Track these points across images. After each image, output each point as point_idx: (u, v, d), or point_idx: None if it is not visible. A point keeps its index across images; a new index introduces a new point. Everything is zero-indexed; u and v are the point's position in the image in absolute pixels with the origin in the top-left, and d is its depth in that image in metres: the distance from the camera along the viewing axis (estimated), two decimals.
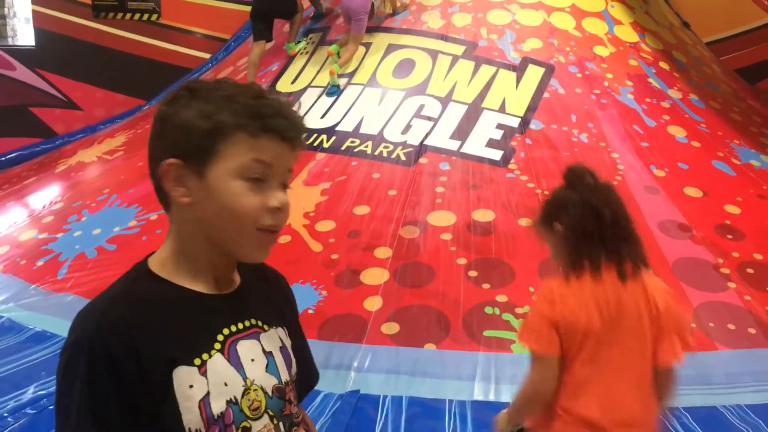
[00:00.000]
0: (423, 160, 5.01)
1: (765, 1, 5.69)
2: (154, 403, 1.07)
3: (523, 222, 4.40)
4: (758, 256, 4.23)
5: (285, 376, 1.25)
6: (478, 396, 3.34)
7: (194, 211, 1.13)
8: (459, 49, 5.84)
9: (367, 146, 5.22)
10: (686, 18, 7.31)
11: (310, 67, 6.22)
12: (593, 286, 1.88)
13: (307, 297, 4.01)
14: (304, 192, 4.89)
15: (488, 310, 3.77)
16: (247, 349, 1.18)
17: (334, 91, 5.81)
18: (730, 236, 4.39)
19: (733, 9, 7.57)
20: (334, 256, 4.29)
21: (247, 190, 1.12)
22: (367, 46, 6.13)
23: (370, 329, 3.74)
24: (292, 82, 6.20)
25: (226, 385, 1.13)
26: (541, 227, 2.04)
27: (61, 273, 4.59)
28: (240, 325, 1.20)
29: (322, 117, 5.63)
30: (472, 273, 4.03)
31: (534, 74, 5.64)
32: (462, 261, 4.12)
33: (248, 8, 6.76)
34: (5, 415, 3.22)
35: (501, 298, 3.85)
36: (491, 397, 3.33)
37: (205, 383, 1.10)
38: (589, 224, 1.90)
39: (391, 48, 6.03)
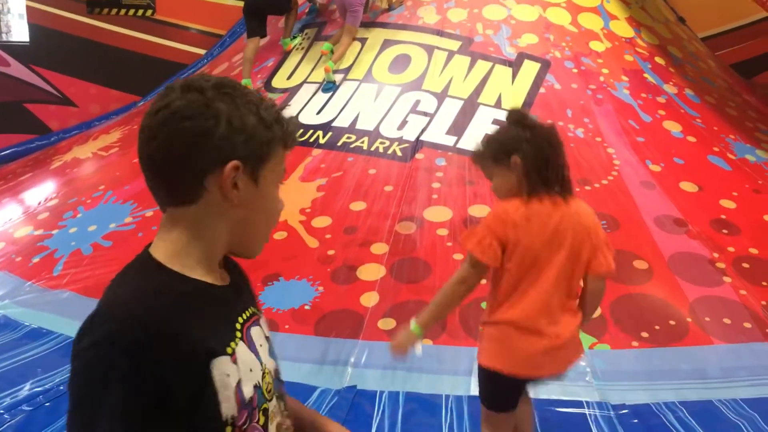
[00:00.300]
0: (419, 156, 5.01)
1: None
2: (191, 397, 1.05)
3: None
4: (753, 251, 4.24)
5: (277, 358, 1.33)
6: (474, 391, 3.32)
7: (235, 211, 1.16)
8: (455, 45, 5.83)
9: (363, 142, 5.21)
10: (681, 13, 7.31)
11: (306, 63, 6.21)
12: (541, 209, 2.18)
13: (303, 293, 4.01)
14: (300, 188, 4.88)
15: (484, 305, 3.74)
16: (256, 335, 1.24)
17: (330, 87, 5.80)
18: (725, 231, 4.40)
19: (729, 4, 7.58)
20: (331, 252, 4.29)
21: (278, 196, 1.24)
22: (363, 41, 6.12)
23: (366, 325, 3.74)
24: (288, 78, 6.19)
25: (251, 371, 1.17)
26: (494, 163, 2.26)
27: (57, 270, 4.58)
28: (246, 313, 1.25)
29: (318, 113, 5.62)
30: None
31: (530, 69, 5.64)
32: (458, 256, 4.12)
33: (242, 3, 6.72)
34: (1, 412, 3.22)
35: None
36: None
37: (236, 370, 1.13)
38: (544, 155, 2.18)
39: (386, 43, 6.02)
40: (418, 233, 4.34)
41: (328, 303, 3.94)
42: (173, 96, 1.12)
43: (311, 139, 5.33)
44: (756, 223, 4.52)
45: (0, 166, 7.55)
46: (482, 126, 5.12)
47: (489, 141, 2.32)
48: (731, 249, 4.24)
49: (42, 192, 5.96)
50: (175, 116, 1.11)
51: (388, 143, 5.15)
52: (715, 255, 4.17)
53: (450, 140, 5.10)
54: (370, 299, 3.90)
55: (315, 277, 4.13)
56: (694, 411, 3.17)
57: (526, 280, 2.22)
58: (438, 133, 5.17)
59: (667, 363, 3.50)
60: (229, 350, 1.13)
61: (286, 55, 6.49)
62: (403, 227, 4.40)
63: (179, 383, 1.03)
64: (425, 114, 5.35)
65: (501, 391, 2.38)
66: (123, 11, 8.58)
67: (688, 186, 4.80)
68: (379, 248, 4.25)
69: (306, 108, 5.70)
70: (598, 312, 3.73)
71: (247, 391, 1.15)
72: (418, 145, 5.10)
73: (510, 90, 5.44)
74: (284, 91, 6.04)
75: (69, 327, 4.01)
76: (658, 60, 6.12)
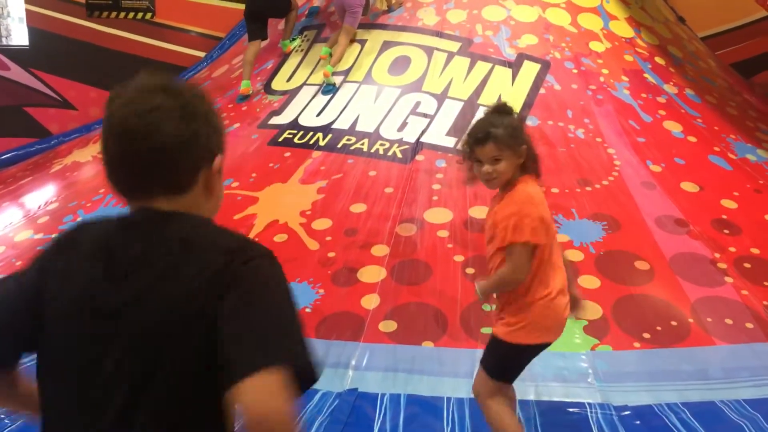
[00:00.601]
0: (419, 158, 5.01)
1: None
2: None
3: None
4: (755, 251, 4.23)
5: None
6: None
7: (209, 199, 1.31)
8: (454, 46, 5.83)
9: (363, 144, 5.21)
10: (681, 13, 7.31)
11: (305, 65, 6.20)
12: (540, 191, 2.49)
13: (304, 295, 4.00)
14: (300, 190, 4.88)
15: (486, 307, 3.75)
16: None
17: (329, 89, 5.79)
18: (726, 231, 4.39)
19: (728, 3, 7.57)
20: (331, 255, 4.28)
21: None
22: (363, 43, 6.12)
23: (367, 327, 3.73)
24: (288, 80, 6.19)
25: None
26: (508, 147, 2.42)
27: None
28: None
29: (318, 115, 5.62)
30: (470, 270, 4.02)
31: (530, 70, 5.63)
32: (459, 258, 4.12)
33: (242, 6, 6.73)
34: (1, 416, 3.20)
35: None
36: None
37: None
38: (533, 149, 2.50)
39: (386, 45, 6.02)
40: (419, 235, 4.33)
41: (329, 305, 3.93)
42: (160, 98, 1.23)
43: (311, 142, 5.32)
44: (757, 223, 4.51)
45: (0, 170, 7.55)
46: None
47: (507, 126, 2.45)
48: (732, 249, 4.23)
49: (42, 196, 5.96)
50: (170, 116, 1.22)
51: (388, 145, 5.15)
52: (717, 255, 4.16)
53: (450, 141, 5.10)
54: (370, 301, 3.89)
55: (315, 279, 4.12)
56: (697, 412, 3.16)
57: (550, 253, 2.46)
58: (438, 135, 5.17)
59: (669, 364, 3.49)
60: None
61: (285, 57, 6.48)
62: (403, 229, 4.39)
63: None
64: (425, 115, 5.35)
65: (521, 363, 2.59)
66: (122, 14, 8.58)
67: (689, 186, 4.79)
68: (380, 250, 4.24)
69: (306, 110, 5.70)
70: (599, 313, 3.73)
71: None
72: (418, 146, 5.09)
73: (510, 91, 5.43)
74: (284, 93, 6.04)
75: None
76: (658, 60, 6.11)
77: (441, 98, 5.44)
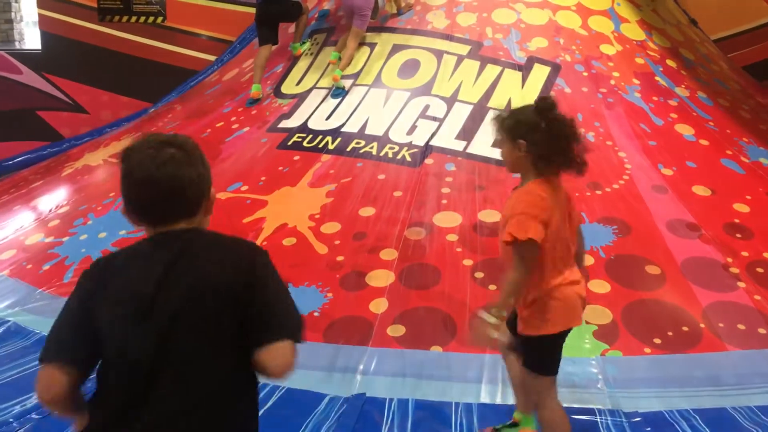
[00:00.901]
0: (428, 161, 4.99)
1: None
2: None
3: None
4: None
5: None
6: (484, 399, 3.31)
7: (206, 218, 1.78)
8: (464, 49, 5.81)
9: (372, 147, 5.20)
10: (694, 15, 7.26)
11: (315, 69, 6.21)
12: (551, 190, 2.46)
13: (312, 300, 3.99)
14: (309, 194, 4.87)
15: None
16: None
17: (339, 92, 5.79)
18: (739, 235, 4.35)
19: (741, 6, 7.52)
20: (340, 258, 4.27)
21: None
22: (372, 46, 6.11)
23: (375, 332, 3.72)
24: (297, 84, 6.19)
25: None
26: (504, 136, 2.53)
27: (67, 277, 4.58)
28: None
29: (327, 118, 5.62)
30: (479, 274, 4.00)
31: (540, 73, 5.61)
32: (468, 262, 4.10)
33: (253, 9, 6.75)
34: (10, 420, 3.21)
35: None
36: (498, 400, 3.30)
37: None
38: (547, 150, 2.43)
39: (395, 48, 6.01)
40: (428, 239, 4.31)
41: (337, 309, 3.92)
42: (171, 151, 1.67)
43: (320, 145, 5.32)
44: None
45: (12, 173, 7.60)
46: (492, 131, 5.08)
47: (510, 115, 2.57)
48: (745, 254, 4.18)
49: (53, 199, 5.98)
50: (181, 164, 1.67)
51: (397, 148, 5.13)
52: (729, 260, 4.12)
53: (460, 145, 5.08)
54: (379, 306, 3.87)
55: (324, 283, 4.11)
56: (708, 419, 3.12)
57: (557, 251, 2.49)
58: (447, 138, 5.15)
59: (681, 370, 3.45)
60: None
61: (295, 61, 6.49)
62: (412, 233, 4.38)
63: None
64: (434, 119, 5.33)
65: (556, 351, 2.66)
66: (134, 18, 8.62)
67: (700, 190, 4.74)
68: (389, 254, 4.23)
69: (315, 114, 5.70)
70: (609, 317, 3.70)
71: None
72: (427, 150, 5.08)
73: (520, 94, 5.41)
74: (293, 96, 6.04)
75: None
76: (670, 63, 6.06)
77: (450, 102, 5.42)
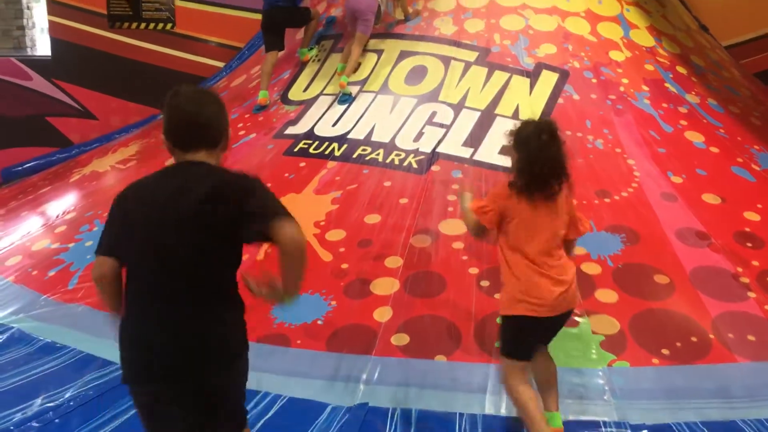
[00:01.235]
0: (435, 168, 4.95)
1: None
2: None
3: None
4: None
5: None
6: (489, 410, 3.27)
7: (222, 153, 2.32)
8: (472, 55, 5.78)
9: (378, 154, 5.16)
10: (704, 21, 7.19)
11: (322, 75, 6.19)
12: (525, 200, 2.85)
13: (316, 307, 3.97)
14: (314, 201, 4.84)
15: (500, 320, 3.68)
16: None
17: (346, 99, 5.77)
18: (749, 244, 4.28)
19: (753, 12, 7.43)
20: (344, 266, 4.24)
21: None
22: (380, 53, 6.09)
23: (379, 340, 3.68)
24: (304, 90, 6.17)
25: None
26: (509, 145, 2.92)
27: (72, 283, 4.58)
28: None
29: (334, 125, 5.59)
30: (484, 283, 3.96)
31: (548, 80, 5.56)
32: (474, 270, 4.05)
33: (261, 16, 6.73)
34: (11, 428, 3.20)
35: None
36: (503, 411, 3.25)
37: None
38: (527, 172, 2.83)
39: (403, 55, 5.98)
40: (434, 247, 4.27)
41: (341, 318, 3.89)
42: (202, 95, 2.31)
43: (326, 152, 5.29)
44: None
45: (22, 179, 7.63)
46: (499, 138, 5.04)
47: (514, 131, 2.92)
48: (755, 263, 4.11)
49: (60, 205, 5.99)
50: (209, 104, 2.25)
51: (403, 155, 5.10)
52: (739, 269, 4.05)
53: (467, 152, 5.04)
54: (383, 314, 3.84)
55: (328, 291, 4.08)
56: (718, 431, 3.06)
57: (525, 241, 2.86)
58: (454, 145, 5.11)
59: (689, 381, 3.40)
60: None
61: (302, 67, 6.48)
62: (418, 240, 4.34)
63: None
64: (441, 125, 5.29)
65: (519, 335, 2.92)
66: (143, 25, 8.65)
67: (710, 198, 4.68)
68: (394, 262, 4.19)
69: (321, 120, 5.68)
70: (617, 327, 3.64)
71: None
72: (434, 157, 5.04)
73: (528, 101, 5.37)
74: (300, 103, 6.02)
75: (82, 342, 4.01)
76: (680, 69, 6.00)
77: (458, 108, 5.39)
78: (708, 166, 5.01)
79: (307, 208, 4.79)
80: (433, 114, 5.39)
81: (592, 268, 4.00)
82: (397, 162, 5.05)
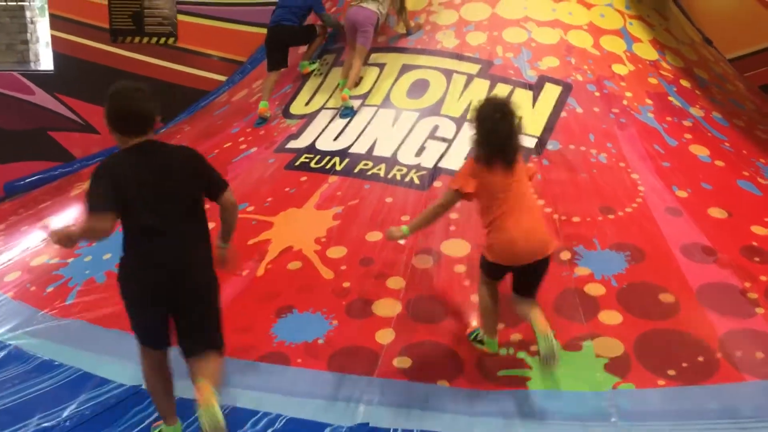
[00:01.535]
0: (437, 184, 4.90)
1: None
2: None
3: None
4: None
5: None
6: None
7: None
8: (474, 68, 5.74)
9: (380, 169, 5.12)
10: (708, 34, 7.15)
11: (324, 90, 6.16)
12: (486, 172, 3.37)
13: (317, 326, 3.92)
14: (315, 216, 4.80)
15: (503, 351, 3.64)
16: None
17: (348, 113, 5.73)
18: (757, 259, 4.21)
19: (757, 25, 7.39)
20: (346, 285, 4.19)
21: None
22: (381, 66, 6.06)
23: (381, 362, 3.63)
24: (306, 104, 6.14)
25: None
26: (472, 122, 3.43)
27: (70, 298, 4.54)
28: None
29: (336, 139, 5.55)
30: None
31: (551, 93, 5.52)
32: (476, 298, 3.99)
33: (263, 30, 6.73)
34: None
35: (515, 336, 3.72)
36: None
37: None
38: (485, 145, 3.37)
39: (405, 68, 5.95)
40: (435, 268, 4.22)
41: (343, 338, 3.83)
42: (139, 89, 2.98)
43: (327, 166, 5.25)
44: None
45: (24, 194, 7.60)
46: None
47: (475, 108, 3.43)
48: (764, 278, 4.05)
49: (61, 220, 5.94)
50: (146, 97, 2.96)
51: (405, 170, 5.05)
52: (747, 285, 3.99)
53: None
54: (385, 336, 3.79)
55: (329, 310, 4.03)
56: None
57: (496, 203, 3.36)
58: (457, 160, 5.04)
59: (696, 402, 3.33)
60: None
61: (304, 81, 6.45)
62: (419, 261, 4.28)
63: None
64: (444, 140, 5.25)
65: (492, 270, 3.52)
66: (146, 39, 8.66)
67: (716, 212, 4.62)
68: (396, 282, 4.14)
69: (323, 134, 5.64)
70: (621, 349, 3.58)
71: None
72: (436, 172, 4.99)
73: (531, 114, 5.30)
74: (302, 117, 5.99)
75: (80, 359, 3.97)
76: (684, 82, 5.96)
77: (460, 122, 5.34)
78: (713, 179, 4.96)
79: (308, 224, 4.75)
80: (436, 128, 5.35)
81: (596, 289, 3.94)
82: (398, 177, 5.00)
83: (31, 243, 5.59)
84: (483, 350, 3.63)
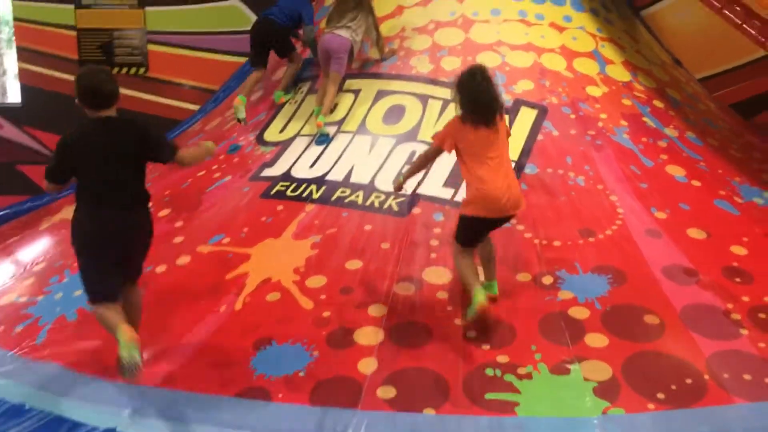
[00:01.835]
0: (416, 210, 4.85)
1: (756, 34, 5.59)
2: None
3: (521, 277, 4.22)
4: None
5: None
6: None
7: None
8: (449, 93, 5.69)
9: (358, 196, 5.06)
10: (677, 55, 7.24)
11: (299, 117, 6.10)
12: (470, 129, 3.81)
13: (297, 358, 3.81)
14: (293, 246, 4.71)
15: (489, 371, 3.57)
16: None
17: (323, 139, 5.67)
18: (738, 279, 4.21)
19: (724, 44, 7.49)
20: (326, 314, 4.10)
21: None
22: (356, 92, 6.03)
23: (365, 393, 3.53)
24: (281, 132, 6.07)
25: None
26: (454, 91, 3.88)
27: (40, 338, 4.37)
28: None
29: (312, 166, 5.48)
30: (471, 334, 3.84)
31: (527, 116, 5.52)
32: (459, 321, 3.93)
33: (236, 59, 6.70)
34: None
35: (502, 358, 3.65)
36: None
37: None
38: (469, 106, 3.81)
39: (380, 94, 5.92)
40: (417, 295, 4.15)
41: (324, 369, 3.73)
42: (103, 73, 3.73)
43: (304, 194, 5.17)
44: None
45: None
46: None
47: (455, 78, 3.88)
48: (746, 299, 4.04)
49: (29, 255, 5.77)
50: (110, 79, 3.64)
51: (383, 197, 4.99)
52: (730, 306, 3.97)
53: (447, 193, 4.95)
54: (368, 365, 3.69)
55: (310, 340, 3.92)
56: None
57: (478, 160, 3.77)
58: (435, 186, 5.02)
59: (687, 426, 3.27)
60: None
61: (278, 108, 6.39)
62: (401, 288, 4.21)
63: None
64: None
65: (467, 230, 3.88)
66: (116, 69, 8.53)
67: (695, 233, 4.62)
68: (378, 310, 4.06)
69: (299, 161, 5.57)
70: (609, 373, 3.52)
71: None
72: (414, 198, 4.94)
73: None
74: (276, 144, 5.91)
75: (51, 403, 3.79)
76: (657, 103, 6.00)
77: None
78: (691, 200, 4.97)
79: (286, 254, 4.66)
80: (413, 154, 5.30)
81: (580, 313, 3.90)
82: (377, 204, 4.94)
83: None
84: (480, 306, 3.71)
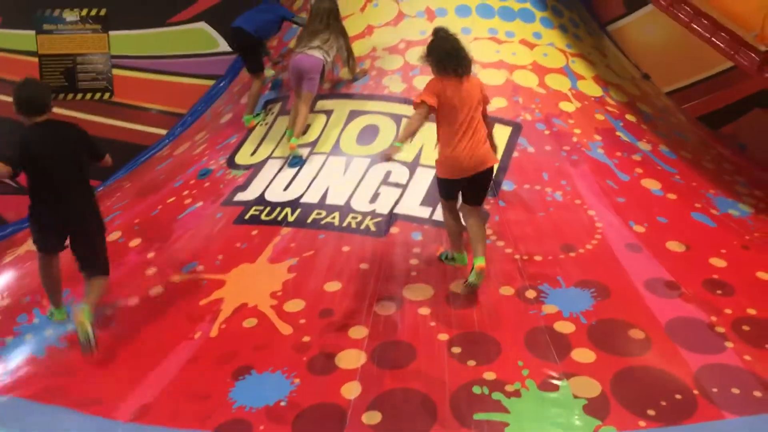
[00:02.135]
0: (394, 230, 4.77)
1: (724, 46, 5.64)
2: None
3: (504, 291, 4.16)
4: (752, 311, 4.03)
5: None
6: None
7: None
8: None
9: (334, 218, 4.96)
10: (645, 69, 7.30)
11: (270, 139, 5.99)
12: (446, 84, 4.12)
13: (278, 387, 3.69)
14: (269, 270, 4.60)
15: (476, 389, 3.48)
16: None
17: (296, 162, 5.57)
18: (719, 291, 4.19)
19: (689, 57, 7.58)
20: (306, 339, 3.98)
21: None
22: (329, 113, 5.95)
23: (350, 420, 3.41)
24: (252, 154, 5.96)
25: None
26: (423, 58, 4.23)
27: (5, 376, 4.17)
28: None
29: (285, 189, 5.37)
30: (456, 349, 3.76)
31: (501, 133, 5.47)
32: (443, 337, 3.85)
33: (204, 82, 6.57)
34: None
35: (489, 375, 3.56)
36: None
37: None
38: (441, 64, 4.17)
39: (353, 114, 5.85)
40: (399, 314, 4.06)
41: (306, 397, 3.61)
42: (40, 85, 4.76)
43: (279, 218, 5.06)
44: (749, 281, 4.33)
45: None
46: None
47: (429, 40, 4.27)
48: (728, 311, 4.02)
49: None
50: (46, 91, 4.40)
51: (360, 218, 4.91)
52: (713, 318, 3.95)
53: (425, 212, 4.88)
54: (351, 390, 3.57)
55: (290, 368, 3.80)
56: None
57: (449, 122, 4.11)
58: (412, 205, 4.95)
59: None
60: None
61: (249, 131, 6.27)
62: (382, 308, 4.12)
63: None
64: (397, 185, 5.14)
65: (445, 188, 4.28)
66: (80, 96, 8.36)
67: (675, 246, 4.61)
68: (358, 332, 3.95)
69: (272, 184, 5.46)
70: (598, 389, 3.46)
71: None
72: (392, 218, 4.86)
73: None
74: (248, 167, 5.79)
75: None
76: (629, 117, 6.03)
77: (413, 167, 5.25)
78: (668, 213, 4.97)
79: (262, 279, 4.55)
80: (388, 173, 5.24)
81: (565, 327, 3.85)
82: (354, 225, 4.85)
83: None
84: (454, 266, 4.33)
